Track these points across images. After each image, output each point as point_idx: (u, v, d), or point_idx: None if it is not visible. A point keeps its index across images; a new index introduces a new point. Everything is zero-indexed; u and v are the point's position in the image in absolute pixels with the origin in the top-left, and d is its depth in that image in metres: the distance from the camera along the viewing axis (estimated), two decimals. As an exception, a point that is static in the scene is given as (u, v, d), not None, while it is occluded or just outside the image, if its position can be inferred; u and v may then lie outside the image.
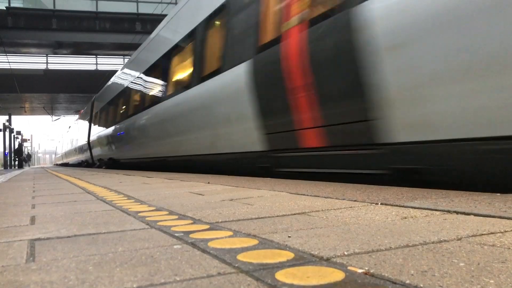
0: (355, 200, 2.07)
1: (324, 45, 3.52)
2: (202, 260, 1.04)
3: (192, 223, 1.62)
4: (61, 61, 27.92)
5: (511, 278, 0.82)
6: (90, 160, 17.92)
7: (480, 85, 2.35)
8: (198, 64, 6.42)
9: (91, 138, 16.85)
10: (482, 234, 1.21)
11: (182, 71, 7.26)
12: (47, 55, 27.32)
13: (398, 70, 2.82)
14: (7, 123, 29.98)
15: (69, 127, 31.91)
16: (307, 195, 2.39)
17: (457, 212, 1.58)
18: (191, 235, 1.37)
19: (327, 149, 3.70)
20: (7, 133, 30.64)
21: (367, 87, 3.09)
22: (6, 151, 31.30)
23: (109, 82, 14.59)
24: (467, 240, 1.14)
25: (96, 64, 28.70)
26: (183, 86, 6.97)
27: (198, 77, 6.33)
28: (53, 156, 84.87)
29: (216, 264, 1.00)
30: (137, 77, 10.20)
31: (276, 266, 0.96)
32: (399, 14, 2.78)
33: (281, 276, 0.88)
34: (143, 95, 9.43)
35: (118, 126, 11.82)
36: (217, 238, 1.30)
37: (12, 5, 21.97)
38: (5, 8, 21.09)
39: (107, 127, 13.58)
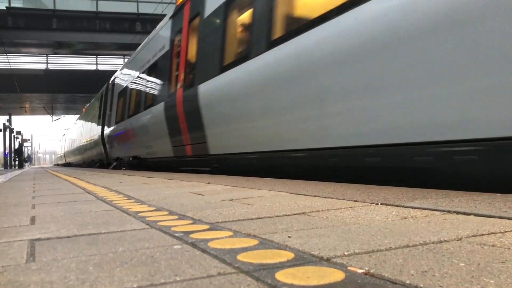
0: (355, 200, 2.07)
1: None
2: (202, 260, 1.04)
3: (192, 223, 1.62)
4: (61, 61, 27.92)
5: (511, 278, 0.82)
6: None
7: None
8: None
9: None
10: (482, 234, 1.21)
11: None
12: (47, 55, 27.31)
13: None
14: (7, 123, 29.97)
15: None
16: (307, 195, 2.39)
17: (457, 212, 1.58)
18: (191, 235, 1.37)
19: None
20: (7, 133, 30.64)
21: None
22: (6, 151, 31.29)
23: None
24: (467, 240, 1.14)
25: (96, 64, 28.70)
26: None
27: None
28: (53, 156, 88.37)
29: (216, 264, 1.00)
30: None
31: (276, 266, 0.96)
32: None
33: (281, 276, 0.88)
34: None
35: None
36: (217, 238, 1.30)
37: (12, 5, 21.96)
38: (5, 8, 21.08)
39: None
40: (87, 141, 19.72)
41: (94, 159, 18.32)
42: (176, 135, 7.36)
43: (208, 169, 6.39)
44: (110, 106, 14.10)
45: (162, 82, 8.33)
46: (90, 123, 19.27)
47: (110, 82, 14.73)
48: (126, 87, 11.74)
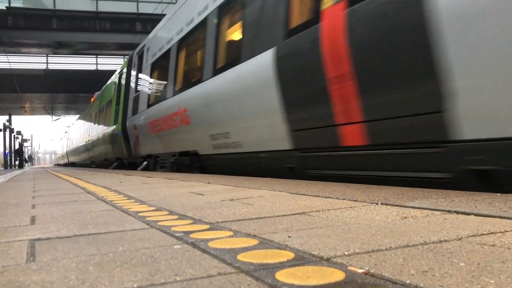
0: (355, 200, 2.07)
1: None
2: (202, 260, 1.04)
3: (192, 223, 1.62)
4: (61, 61, 27.93)
5: (511, 278, 0.82)
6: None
7: None
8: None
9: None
10: (483, 234, 1.21)
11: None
12: (47, 55, 27.32)
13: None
14: (7, 123, 29.99)
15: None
16: (307, 195, 2.39)
17: (457, 212, 1.58)
18: (191, 235, 1.37)
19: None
20: (7, 133, 30.65)
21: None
22: (6, 151, 31.31)
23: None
24: (467, 240, 1.14)
25: (96, 64, 28.70)
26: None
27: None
28: (53, 156, 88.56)
29: (216, 264, 1.00)
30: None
31: (276, 266, 0.96)
32: None
33: (281, 276, 0.88)
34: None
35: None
36: (217, 238, 1.30)
37: (12, 5, 21.96)
38: (5, 8, 21.09)
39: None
40: (98, 136, 15.70)
41: (109, 157, 14.41)
42: (308, 107, 3.80)
43: (448, 178, 2.66)
44: (135, 86, 10.48)
45: (265, 15, 4.55)
46: (102, 113, 15.32)
47: (135, 53, 10.97)
48: (169, 51, 7.92)
